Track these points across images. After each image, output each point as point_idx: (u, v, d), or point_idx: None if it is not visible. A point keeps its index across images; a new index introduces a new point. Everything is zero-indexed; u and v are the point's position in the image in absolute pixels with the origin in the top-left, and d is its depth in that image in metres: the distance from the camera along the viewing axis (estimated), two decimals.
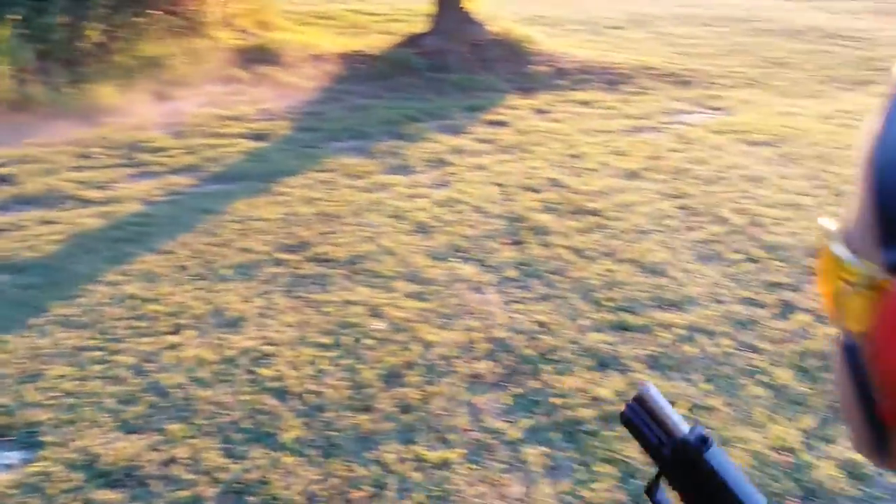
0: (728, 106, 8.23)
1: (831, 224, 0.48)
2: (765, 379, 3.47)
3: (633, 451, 3.03)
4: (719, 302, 4.11)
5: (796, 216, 5.18)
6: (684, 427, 0.82)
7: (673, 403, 2.90)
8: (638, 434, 0.86)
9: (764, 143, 6.83)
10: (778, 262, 4.52)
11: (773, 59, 10.67)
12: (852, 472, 2.91)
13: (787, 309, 4.02)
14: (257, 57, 9.87)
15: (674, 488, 0.85)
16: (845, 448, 3.03)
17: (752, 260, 4.56)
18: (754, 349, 3.69)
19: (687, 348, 3.69)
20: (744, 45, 11.60)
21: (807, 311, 3.98)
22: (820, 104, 8.24)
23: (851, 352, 0.45)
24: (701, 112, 8.07)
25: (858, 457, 2.96)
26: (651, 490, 0.89)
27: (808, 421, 3.19)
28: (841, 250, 0.46)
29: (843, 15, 14.26)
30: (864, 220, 0.45)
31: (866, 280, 0.43)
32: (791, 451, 3.02)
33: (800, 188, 5.71)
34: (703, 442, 0.79)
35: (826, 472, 2.90)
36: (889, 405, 0.43)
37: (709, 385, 3.43)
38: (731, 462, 0.80)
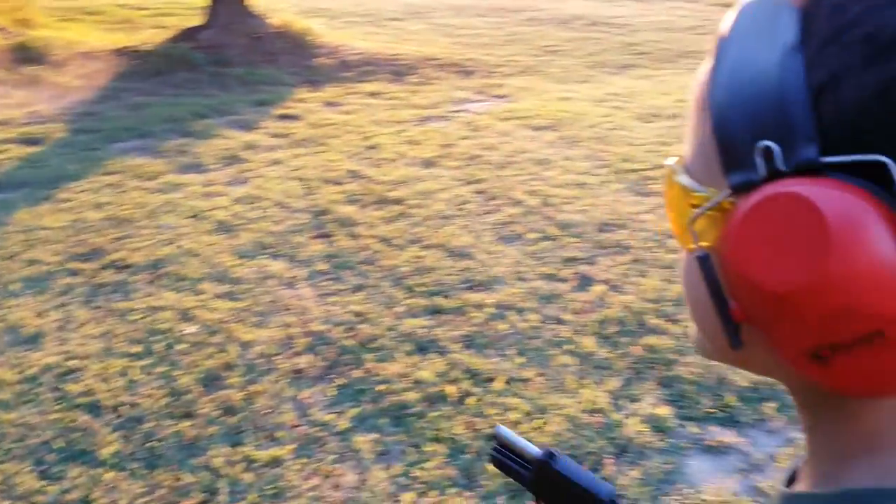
0: (510, 93, 8.59)
1: (672, 160, 0.56)
2: (571, 348, 3.70)
3: (459, 429, 3.15)
4: (523, 280, 4.32)
5: (583, 194, 5.52)
6: (536, 450, 0.97)
7: (492, 379, 3.02)
8: (508, 470, 1.01)
9: (546, 127, 7.20)
10: (572, 238, 4.81)
11: (546, 47, 11.23)
12: (656, 425, 3.17)
13: (584, 281, 4.29)
14: (20, 56, 9.22)
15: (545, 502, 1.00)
16: (648, 405, 3.29)
17: (549, 238, 4.82)
18: (559, 321, 3.92)
19: (499, 325, 3.86)
20: (518, 35, 12.13)
21: (602, 282, 4.27)
22: (592, 88, 8.78)
23: (704, 262, 0.53)
24: (485, 100, 8.38)
25: (660, 411, 3.24)
26: None
27: (614, 383, 3.44)
28: (686, 180, 0.54)
29: (605, 3, 15.22)
30: (706, 153, 0.53)
31: (713, 203, 0.51)
32: (601, 412, 3.25)
33: (583, 168, 6.08)
34: (551, 456, 0.95)
35: (634, 428, 3.15)
36: (738, 304, 0.51)
37: (522, 358, 3.61)
38: (577, 465, 0.96)
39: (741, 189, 0.49)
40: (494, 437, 1.00)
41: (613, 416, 3.21)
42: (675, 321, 3.87)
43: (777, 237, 0.47)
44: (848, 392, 0.50)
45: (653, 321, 3.88)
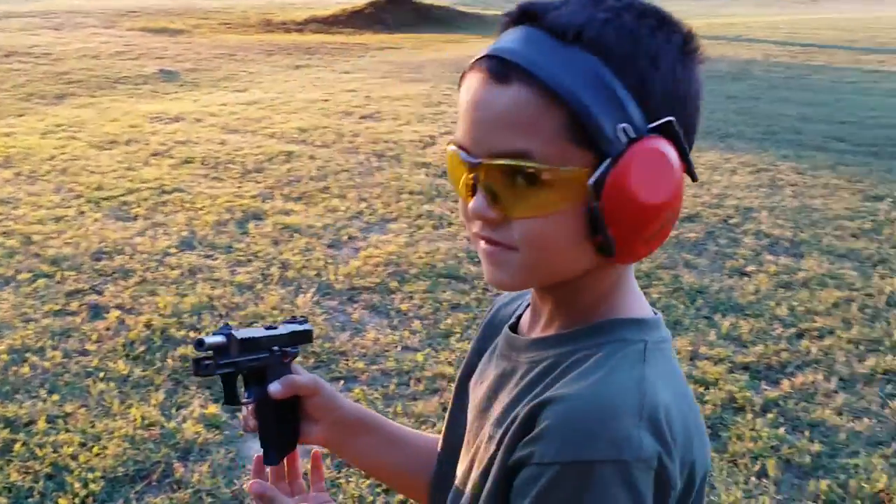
0: None
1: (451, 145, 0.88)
2: (105, 374, 3.72)
3: (15, 475, 3.03)
4: (31, 321, 4.16)
5: (65, 227, 5.40)
6: (218, 339, 1.12)
7: (32, 422, 3.04)
8: (212, 368, 1.14)
9: None
10: (69, 272, 4.72)
11: None
12: (210, 423, 3.40)
13: (96, 310, 4.29)
14: None
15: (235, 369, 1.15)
16: (198, 407, 3.50)
17: (44, 275, 4.67)
18: (84, 353, 3.89)
19: (20, 370, 3.71)
20: None
21: (116, 307, 4.31)
22: (33, 121, 8.40)
23: (593, 212, 0.82)
24: None
25: (210, 410, 3.48)
26: (248, 393, 1.23)
27: (159, 396, 3.57)
28: (540, 165, 0.82)
29: (16, 33, 14.38)
30: (557, 143, 0.81)
31: (603, 168, 0.81)
32: (155, 424, 3.37)
33: (55, 202, 5.91)
34: (226, 331, 1.12)
35: (191, 430, 3.33)
36: (614, 227, 0.82)
37: (57, 396, 3.54)
38: (247, 329, 1.15)
39: (614, 156, 0.81)
40: (196, 344, 1.10)
41: (169, 426, 3.36)
42: (198, 329, 4.11)
43: (651, 171, 0.82)
44: (627, 260, 0.87)
45: (178, 333, 4.07)
